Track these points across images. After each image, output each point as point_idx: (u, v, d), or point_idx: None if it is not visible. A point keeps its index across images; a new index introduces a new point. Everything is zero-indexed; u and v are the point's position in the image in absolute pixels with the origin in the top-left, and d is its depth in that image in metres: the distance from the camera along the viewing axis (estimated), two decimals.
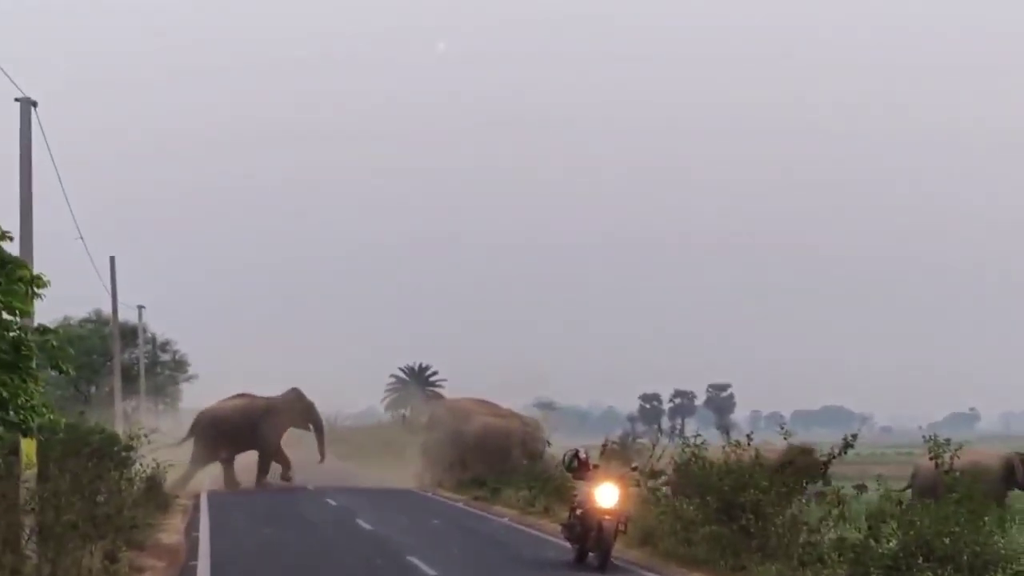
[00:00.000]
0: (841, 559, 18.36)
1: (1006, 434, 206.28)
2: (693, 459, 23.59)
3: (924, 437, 18.95)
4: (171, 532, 29.56)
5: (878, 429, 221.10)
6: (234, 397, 51.32)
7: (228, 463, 49.09)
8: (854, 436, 22.28)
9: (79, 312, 77.14)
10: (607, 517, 22.07)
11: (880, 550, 17.33)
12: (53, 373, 15.79)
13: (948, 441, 18.48)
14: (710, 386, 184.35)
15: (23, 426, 15.05)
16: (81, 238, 40.00)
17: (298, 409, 50.59)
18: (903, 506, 17.77)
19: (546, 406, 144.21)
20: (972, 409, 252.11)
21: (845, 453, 22.94)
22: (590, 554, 22.50)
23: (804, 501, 22.47)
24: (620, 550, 23.36)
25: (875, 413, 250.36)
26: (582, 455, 23.94)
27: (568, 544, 23.47)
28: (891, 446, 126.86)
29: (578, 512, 22.87)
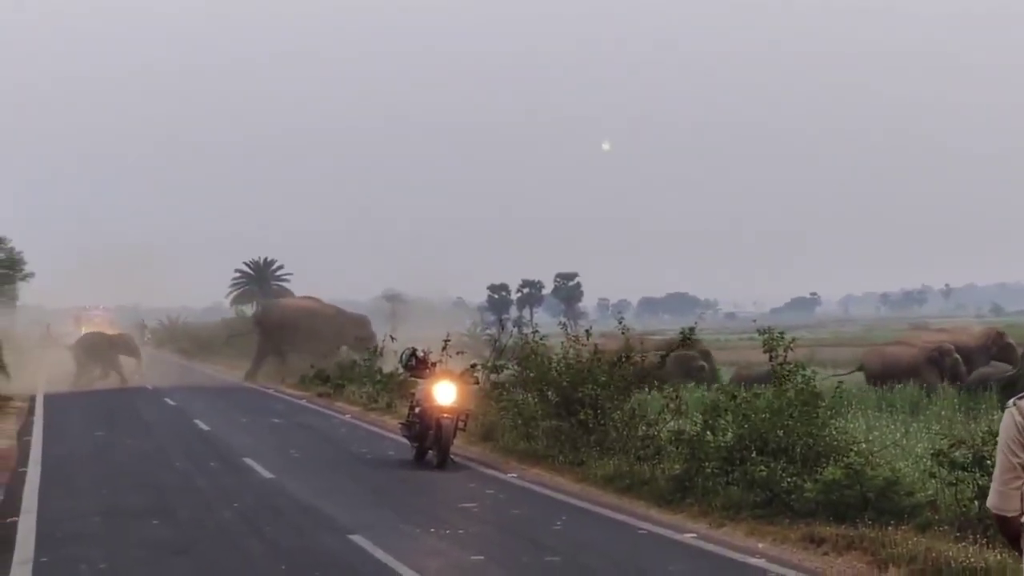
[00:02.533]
0: (678, 452, 18.40)
1: (844, 317, 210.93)
2: (532, 355, 23.46)
3: (758, 330, 18.92)
4: (2, 437, 28.84)
5: (722, 315, 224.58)
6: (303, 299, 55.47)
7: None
8: (691, 329, 22.35)
9: None
10: (445, 415, 21.91)
11: (716, 443, 17.37)
12: None
13: (782, 334, 18.49)
14: (557, 275, 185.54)
15: None
16: None
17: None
18: (737, 399, 17.78)
19: (393, 298, 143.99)
20: (813, 294, 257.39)
21: (684, 345, 23.00)
22: (430, 452, 22.35)
23: (642, 395, 22.55)
24: (460, 447, 23.27)
25: (719, 299, 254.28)
26: (420, 352, 23.75)
27: (408, 442, 23.31)
28: (735, 332, 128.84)
29: (417, 410, 22.70)
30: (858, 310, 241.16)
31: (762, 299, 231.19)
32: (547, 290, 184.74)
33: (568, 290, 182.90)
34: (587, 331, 23.94)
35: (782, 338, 18.44)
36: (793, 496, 15.30)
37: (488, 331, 77.49)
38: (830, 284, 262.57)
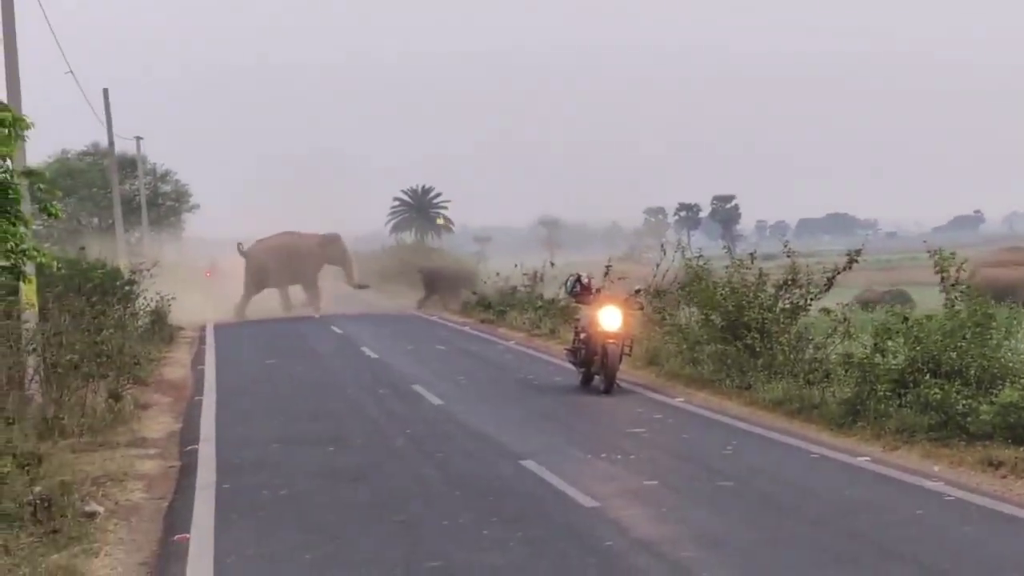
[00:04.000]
0: (848, 375, 18.21)
1: (1010, 234, 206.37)
2: (696, 280, 23.34)
3: (928, 250, 18.60)
4: (177, 366, 29.60)
5: (883, 235, 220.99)
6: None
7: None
8: (858, 252, 22.00)
9: (77, 146, 76.65)
10: (611, 340, 21.93)
11: (886, 365, 17.15)
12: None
13: (953, 255, 18.18)
14: (715, 198, 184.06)
15: (16, 270, 14.89)
16: (71, 71, 39.55)
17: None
18: (908, 321, 17.50)
19: (550, 223, 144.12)
20: (977, 212, 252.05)
21: (849, 268, 22.71)
22: (596, 377, 22.42)
23: (810, 317, 22.34)
24: (626, 372, 23.30)
25: (879, 219, 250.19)
26: (584, 279, 23.77)
27: (573, 368, 23.40)
28: (897, 252, 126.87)
29: (582, 336, 22.75)
30: (1023, 227, 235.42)
31: (923, 218, 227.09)
32: (704, 213, 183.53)
33: (726, 212, 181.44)
34: (751, 255, 23.69)
35: (952, 258, 18.13)
36: (969, 419, 15.08)
37: (647, 255, 77.23)
38: (991, 201, 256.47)
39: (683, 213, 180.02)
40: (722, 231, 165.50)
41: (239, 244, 52.66)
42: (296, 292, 52.04)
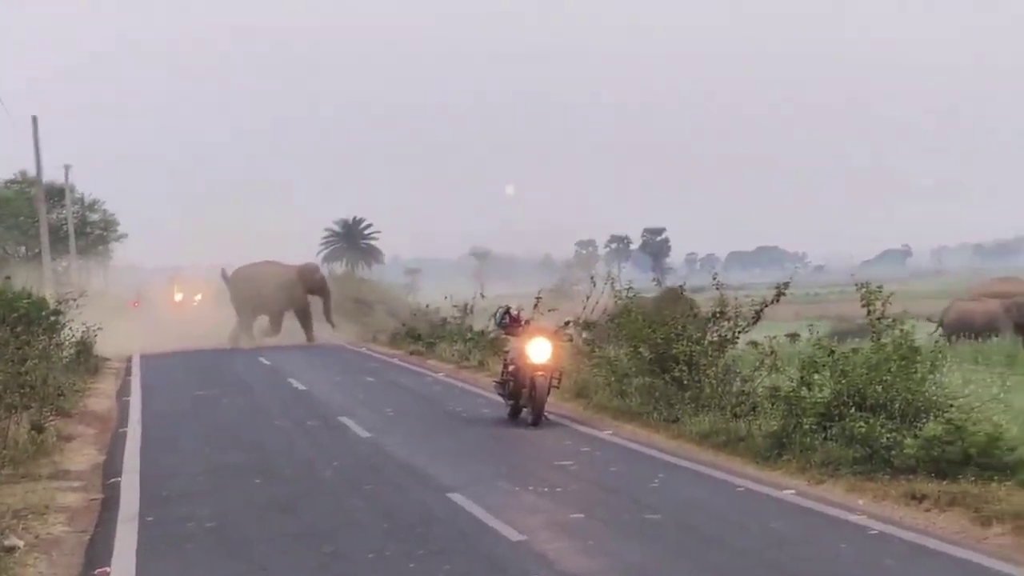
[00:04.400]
0: (774, 409, 18.31)
1: (937, 269, 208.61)
2: (626, 311, 23.43)
3: (856, 284, 18.78)
4: (102, 397, 29.29)
5: (812, 268, 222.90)
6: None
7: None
8: (786, 285, 22.15)
9: (4, 174, 75.96)
10: (540, 373, 21.95)
11: (813, 399, 17.26)
12: None
13: (880, 288, 18.36)
14: (645, 230, 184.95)
15: None
16: None
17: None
18: (835, 355, 17.64)
19: (481, 255, 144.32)
20: (905, 246, 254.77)
21: (777, 301, 22.85)
22: (524, 409, 22.42)
23: (737, 350, 22.48)
24: (554, 404, 23.31)
25: (809, 252, 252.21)
26: (513, 311, 23.81)
27: (502, 400, 23.39)
28: (825, 285, 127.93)
29: (511, 368, 22.75)
30: (951, 261, 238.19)
31: (852, 252, 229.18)
32: (635, 245, 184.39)
33: (656, 245, 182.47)
34: (681, 287, 23.83)
35: (879, 292, 18.29)
36: (893, 452, 15.20)
37: (577, 287, 77.43)
38: (919, 235, 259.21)
39: (614, 245, 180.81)
40: (652, 263, 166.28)
41: (223, 270, 52.40)
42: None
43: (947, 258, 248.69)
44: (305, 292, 51.64)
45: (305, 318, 51.37)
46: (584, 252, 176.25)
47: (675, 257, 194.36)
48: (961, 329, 41.19)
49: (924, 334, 42.98)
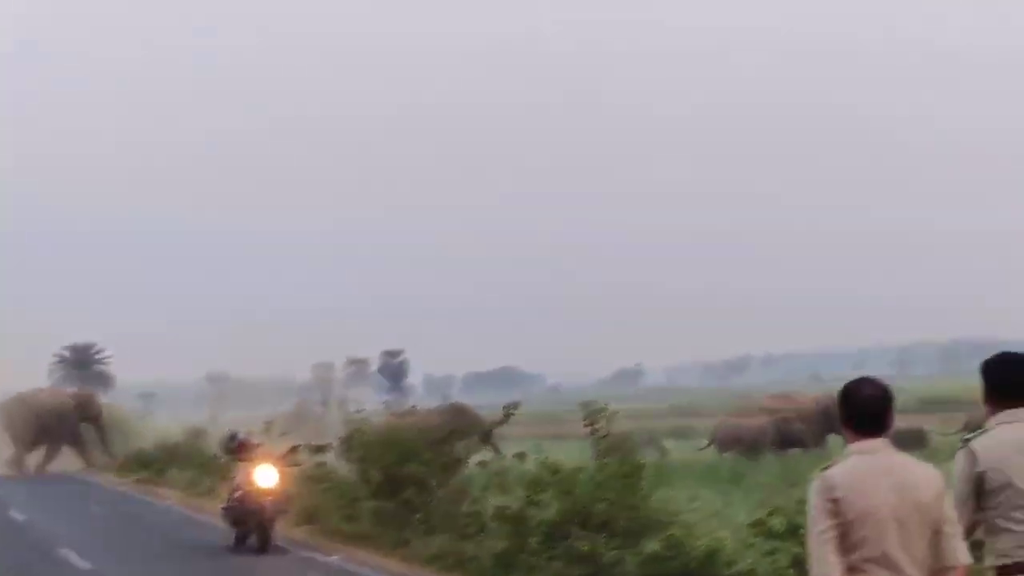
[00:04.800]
0: (501, 528, 18.35)
1: (669, 387, 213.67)
2: (356, 434, 23.34)
3: (580, 403, 19.09)
4: None
5: (547, 388, 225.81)
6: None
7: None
8: (514, 406, 22.39)
9: None
10: (267, 498, 21.63)
11: (539, 518, 17.34)
12: None
13: (604, 408, 18.67)
14: (383, 352, 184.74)
15: None
16: None
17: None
18: (559, 474, 17.81)
19: (218, 379, 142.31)
20: (637, 364, 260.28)
21: (506, 421, 23.07)
22: (252, 536, 22.01)
23: (467, 470, 22.54)
24: (283, 530, 22.93)
25: (546, 372, 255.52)
26: (240, 436, 23.51)
27: (229, 527, 22.92)
28: (561, 403, 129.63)
29: (237, 494, 22.33)
30: (683, 380, 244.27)
31: (588, 371, 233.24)
32: (374, 367, 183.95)
33: (394, 367, 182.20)
34: (412, 407, 23.91)
35: (604, 410, 18.58)
36: (616, 570, 15.35)
37: (316, 410, 76.97)
38: (652, 355, 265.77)
39: (351, 368, 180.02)
40: (390, 385, 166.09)
41: None
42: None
43: (678, 377, 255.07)
44: (76, 422, 49.91)
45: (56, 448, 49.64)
46: (323, 375, 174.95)
47: (413, 378, 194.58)
48: (732, 445, 42.07)
49: (692, 449, 44.19)
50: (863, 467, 6.18)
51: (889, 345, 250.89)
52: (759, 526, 14.70)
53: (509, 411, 22.38)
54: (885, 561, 6.05)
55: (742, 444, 41.28)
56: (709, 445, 42.26)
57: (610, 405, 19.22)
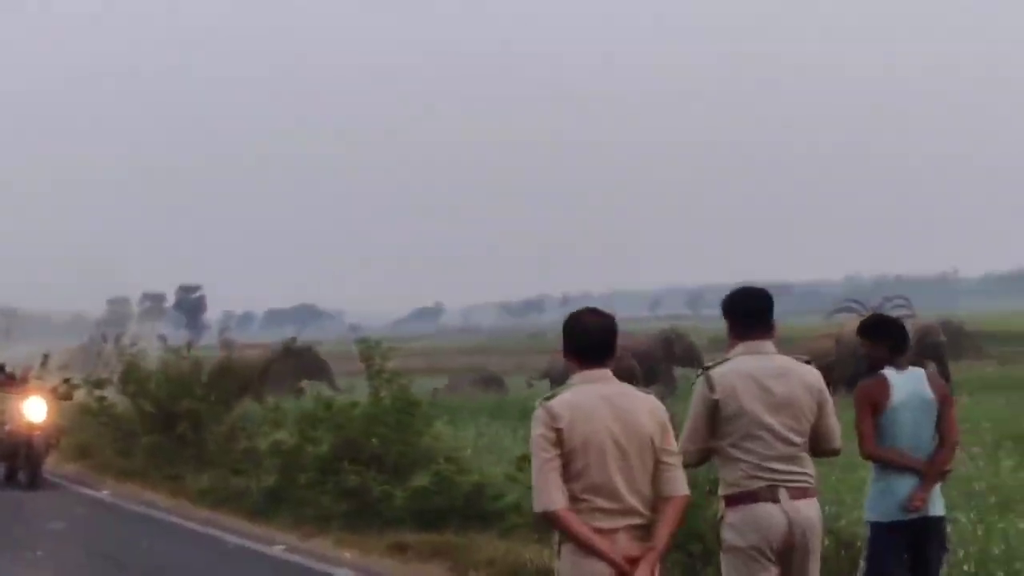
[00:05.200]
0: (274, 464, 18.18)
1: (467, 327, 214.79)
2: (130, 368, 22.90)
3: (358, 340, 18.92)
4: None
5: (347, 326, 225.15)
6: None
7: None
8: (293, 340, 22.23)
9: None
10: (36, 432, 21.10)
11: (314, 453, 17.20)
12: None
13: (379, 343, 18.53)
14: (180, 287, 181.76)
15: None
16: None
17: None
18: (332, 409, 17.66)
19: (6, 313, 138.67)
20: (437, 303, 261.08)
21: (286, 355, 22.81)
22: (20, 472, 21.47)
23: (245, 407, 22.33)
24: (54, 465, 22.50)
25: (346, 311, 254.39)
26: (8, 368, 22.92)
27: None
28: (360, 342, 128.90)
29: (6, 428, 21.75)
30: (481, 319, 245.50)
31: (388, 311, 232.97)
32: (170, 302, 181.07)
33: (192, 302, 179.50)
34: (188, 344, 23.52)
35: (378, 346, 18.44)
36: (383, 505, 15.29)
37: (108, 346, 75.42)
38: (451, 294, 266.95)
39: (147, 303, 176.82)
40: (187, 321, 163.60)
41: None
42: None
43: (476, 316, 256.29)
44: None
45: None
46: (117, 311, 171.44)
47: (211, 314, 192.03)
48: (561, 380, 42.11)
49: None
50: (586, 396, 6.11)
51: (681, 285, 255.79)
52: (523, 459, 14.78)
53: (289, 345, 22.20)
54: (606, 490, 6.02)
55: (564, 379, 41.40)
56: (543, 379, 42.18)
57: (409, 344, 19.14)
